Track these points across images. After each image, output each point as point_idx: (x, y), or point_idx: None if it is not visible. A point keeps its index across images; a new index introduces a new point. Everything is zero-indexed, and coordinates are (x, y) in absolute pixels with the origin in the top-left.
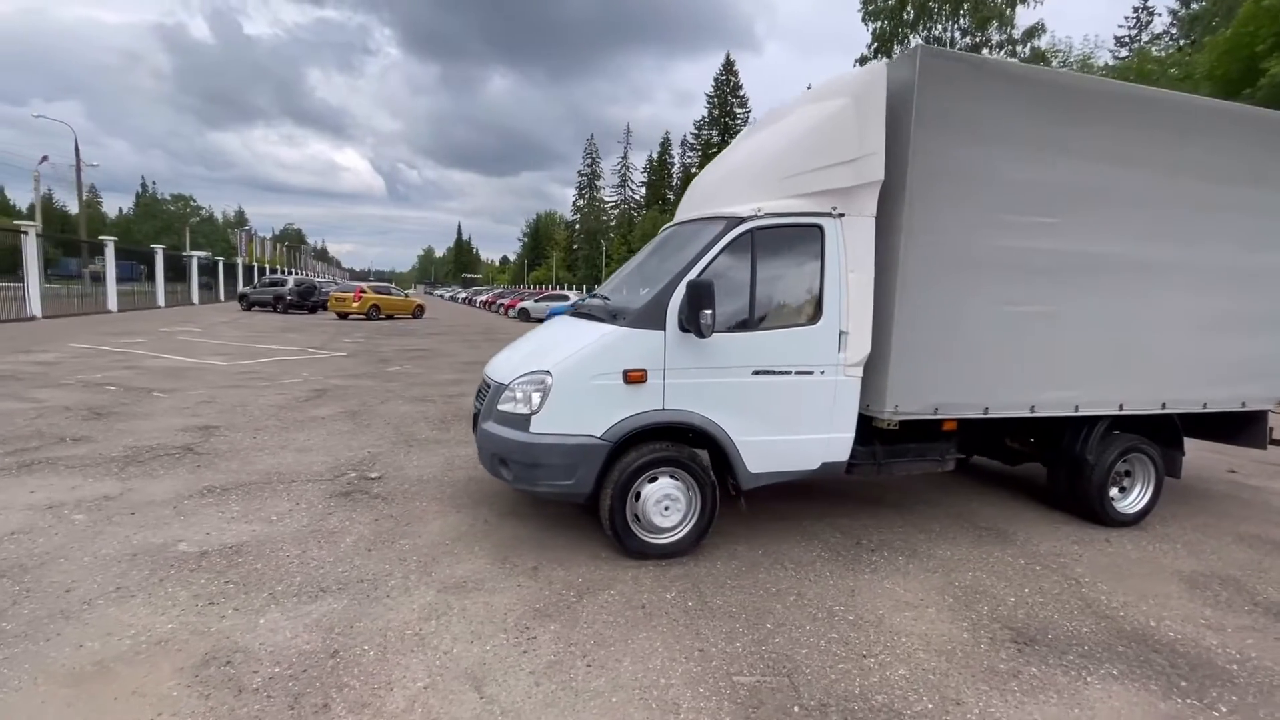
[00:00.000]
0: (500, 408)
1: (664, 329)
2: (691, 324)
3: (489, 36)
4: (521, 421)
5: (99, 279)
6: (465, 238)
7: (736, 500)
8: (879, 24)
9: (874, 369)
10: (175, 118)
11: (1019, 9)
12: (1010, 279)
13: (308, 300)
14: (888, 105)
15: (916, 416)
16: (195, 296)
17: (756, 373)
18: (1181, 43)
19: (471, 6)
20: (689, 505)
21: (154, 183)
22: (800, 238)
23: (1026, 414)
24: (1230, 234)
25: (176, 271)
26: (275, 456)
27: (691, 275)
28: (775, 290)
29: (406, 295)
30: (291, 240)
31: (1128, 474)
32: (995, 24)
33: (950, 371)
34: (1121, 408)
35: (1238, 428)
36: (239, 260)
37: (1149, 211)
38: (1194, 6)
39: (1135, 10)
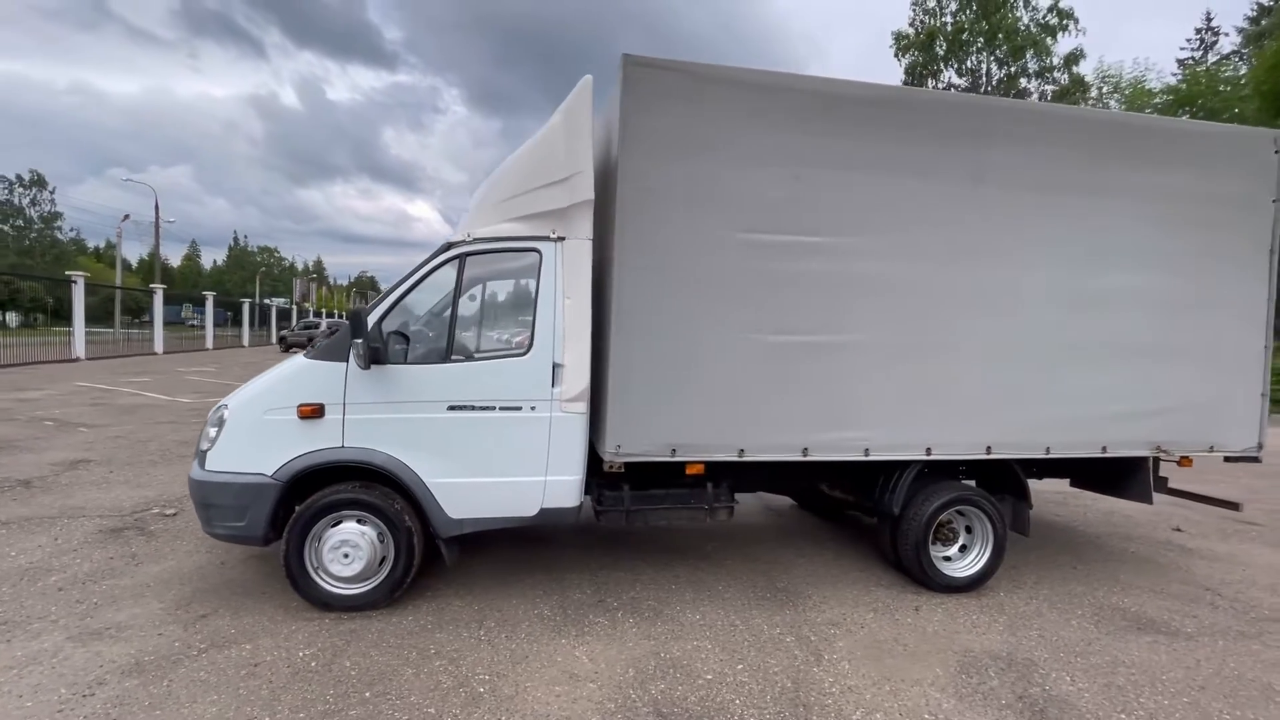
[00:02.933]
0: (200, 445)
1: (346, 360)
2: (355, 355)
3: (546, 90)
4: (202, 458)
5: (195, 325)
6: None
7: (454, 549)
8: (911, 58)
9: (597, 405)
10: (266, 177)
11: (1059, 35)
12: (764, 304)
13: None
14: (608, 121)
15: (646, 459)
16: (246, 339)
17: (453, 408)
18: (1254, 61)
19: (529, 64)
20: (373, 554)
21: (245, 236)
22: (515, 263)
23: (798, 458)
24: (1064, 251)
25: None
26: (103, 491)
27: (383, 305)
28: (482, 319)
29: None
30: (362, 286)
31: (968, 529)
32: (1031, 52)
33: (689, 408)
34: (930, 452)
35: (1117, 477)
36: (293, 304)
37: (950, 227)
38: (1264, 23)
39: (1198, 31)
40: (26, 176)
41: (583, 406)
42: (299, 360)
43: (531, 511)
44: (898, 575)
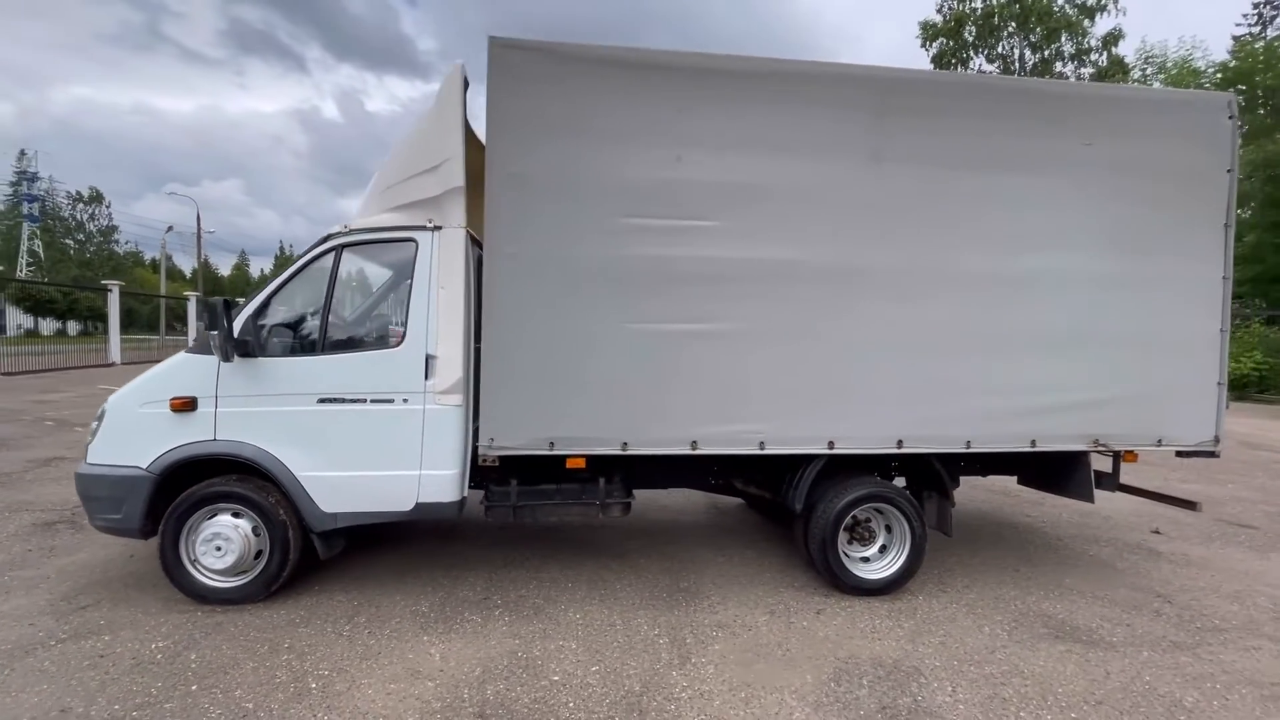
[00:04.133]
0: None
1: None
2: (213, 347)
3: None
4: (85, 452)
5: None
6: None
7: (336, 543)
8: (939, 46)
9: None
10: (311, 188)
11: (1097, 16)
12: (646, 292)
13: None
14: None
15: (522, 452)
16: None
17: (323, 401)
18: None
19: None
20: (246, 547)
21: (290, 245)
22: (392, 253)
23: (687, 451)
24: (981, 231)
25: None
26: (61, 486)
27: (259, 298)
28: (356, 311)
29: None
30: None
31: (888, 529)
32: (1065, 35)
33: (567, 400)
34: (832, 446)
35: (1058, 474)
36: None
37: (848, 209)
38: None
39: (1255, 6)
40: (85, 193)
41: (458, 399)
42: (179, 354)
43: (407, 506)
44: (814, 577)
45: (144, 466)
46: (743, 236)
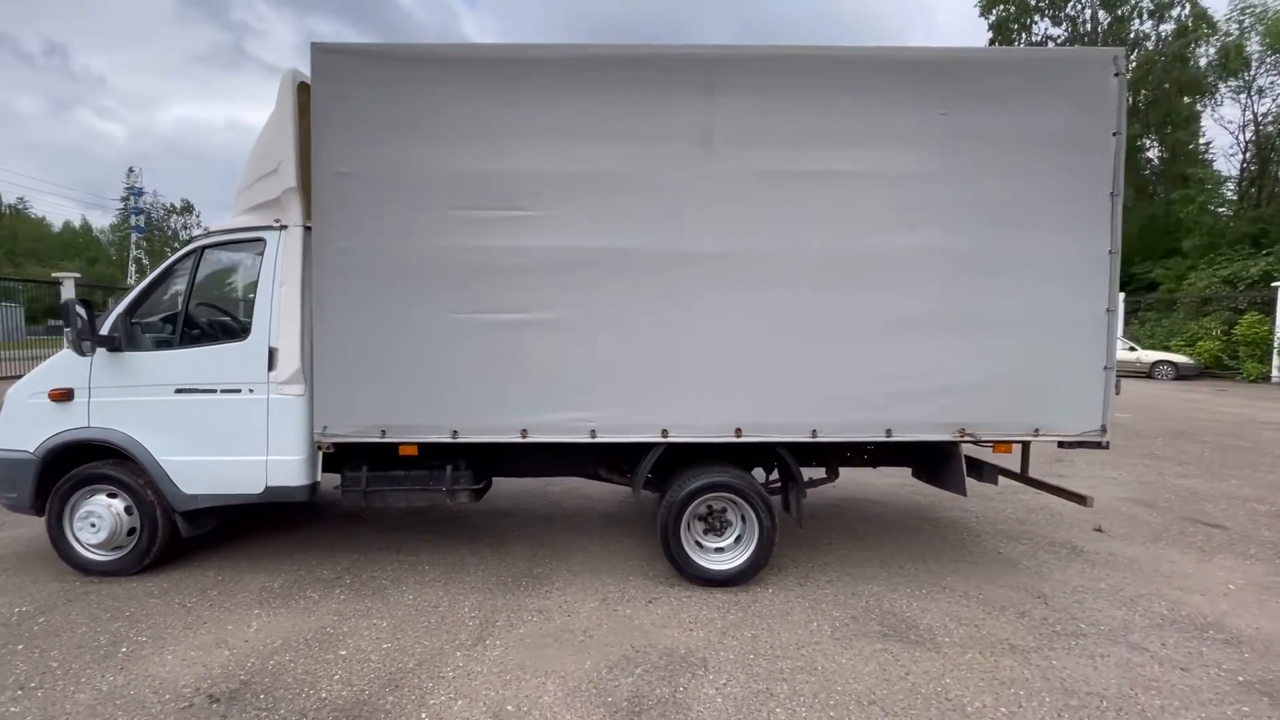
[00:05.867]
0: None
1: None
2: (68, 343)
3: None
4: None
5: None
6: None
7: (205, 523)
8: (999, 12)
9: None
10: None
11: None
12: (470, 282)
13: None
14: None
15: (354, 439)
16: None
17: (179, 391)
18: None
19: None
20: (118, 524)
21: None
22: (246, 253)
23: (517, 439)
24: (822, 213)
25: None
26: None
27: (130, 297)
28: (211, 307)
29: None
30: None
31: (744, 519)
32: None
33: (396, 390)
34: (666, 434)
35: (936, 466)
36: None
37: (676, 194)
38: None
39: None
40: (178, 205)
41: (300, 389)
42: (63, 350)
43: (257, 489)
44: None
45: (30, 450)
46: (566, 225)
